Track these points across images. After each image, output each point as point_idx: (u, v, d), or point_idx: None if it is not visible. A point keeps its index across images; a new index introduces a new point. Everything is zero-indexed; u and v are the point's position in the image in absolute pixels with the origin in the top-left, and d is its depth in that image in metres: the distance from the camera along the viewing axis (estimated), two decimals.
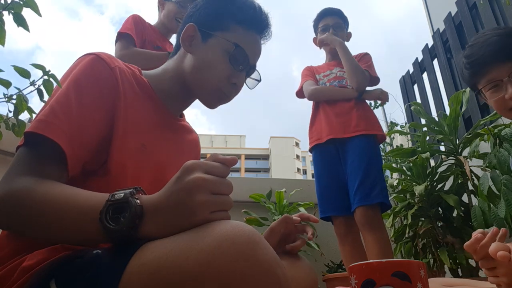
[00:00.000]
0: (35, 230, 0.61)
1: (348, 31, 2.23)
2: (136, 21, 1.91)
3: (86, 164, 0.71)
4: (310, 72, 2.20)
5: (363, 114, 2.01)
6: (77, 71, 0.73)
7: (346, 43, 2.15)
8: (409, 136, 2.82)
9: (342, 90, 2.06)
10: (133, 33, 1.85)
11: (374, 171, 1.87)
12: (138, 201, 0.56)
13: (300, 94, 2.20)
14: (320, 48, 2.24)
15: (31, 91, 0.65)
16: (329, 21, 2.17)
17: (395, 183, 2.56)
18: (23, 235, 0.66)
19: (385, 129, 3.45)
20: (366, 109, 2.04)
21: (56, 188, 0.62)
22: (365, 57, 2.18)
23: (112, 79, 0.76)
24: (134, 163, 0.76)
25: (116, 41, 1.85)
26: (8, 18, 0.65)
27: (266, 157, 47.64)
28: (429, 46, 3.50)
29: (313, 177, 2.13)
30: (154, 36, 1.97)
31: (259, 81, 0.96)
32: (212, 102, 0.91)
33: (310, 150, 2.09)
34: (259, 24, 0.90)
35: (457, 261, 1.92)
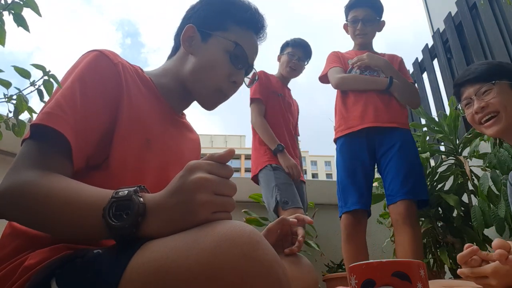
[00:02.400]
0: (38, 224, 0.61)
1: (382, 19, 2.08)
2: (260, 79, 2.28)
3: (90, 158, 0.72)
4: (337, 58, 2.09)
5: (399, 106, 1.93)
6: (81, 67, 0.74)
7: (387, 14, 2.08)
8: None
9: (375, 79, 1.94)
10: (262, 96, 2.27)
11: (418, 167, 1.82)
12: (141, 199, 0.56)
13: (324, 79, 2.10)
14: (348, 33, 2.14)
15: (31, 92, 0.65)
16: (359, 13, 2.03)
17: None
18: (28, 227, 0.67)
19: None
20: (400, 103, 1.94)
21: (60, 182, 0.62)
22: (404, 66, 2.11)
23: (115, 74, 0.76)
24: (137, 158, 0.76)
25: (250, 103, 2.29)
26: (8, 18, 0.65)
27: None
28: (429, 46, 3.50)
29: (312, 177, 2.13)
30: (277, 86, 2.38)
31: (256, 79, 0.97)
32: (211, 102, 0.92)
33: (335, 140, 1.97)
34: (256, 24, 0.92)
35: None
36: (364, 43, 2.10)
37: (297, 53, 2.40)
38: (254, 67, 0.96)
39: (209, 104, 0.92)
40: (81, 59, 0.77)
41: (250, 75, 0.96)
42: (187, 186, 0.55)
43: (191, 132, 1.01)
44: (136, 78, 0.82)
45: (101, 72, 0.75)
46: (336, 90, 2.07)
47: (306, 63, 2.42)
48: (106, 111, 0.73)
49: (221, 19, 0.89)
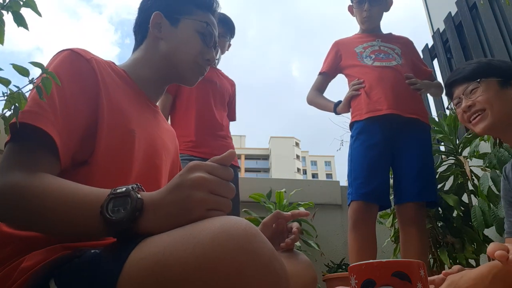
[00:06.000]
0: (34, 224, 0.61)
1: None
2: None
3: (75, 154, 0.71)
4: (333, 55, 2.04)
5: (418, 97, 1.87)
6: (54, 66, 0.74)
7: (386, 13, 2.03)
8: None
9: (327, 105, 2.01)
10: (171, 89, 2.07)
11: (431, 167, 1.78)
12: (139, 195, 0.57)
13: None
14: (353, 16, 2.07)
15: (30, 90, 0.65)
16: None
17: None
18: (22, 229, 0.66)
19: None
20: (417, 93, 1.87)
21: (53, 182, 0.62)
22: (416, 50, 2.09)
23: (89, 70, 0.77)
24: (124, 149, 0.77)
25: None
26: (8, 19, 0.65)
27: (266, 157, 47.67)
28: (429, 46, 3.50)
29: (312, 177, 2.12)
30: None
31: (219, 58, 1.08)
32: (192, 77, 0.96)
33: (352, 125, 1.87)
34: (212, 5, 0.99)
35: (457, 261, 1.92)
36: (370, 25, 2.03)
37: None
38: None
39: (191, 78, 0.96)
40: (53, 59, 0.77)
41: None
42: (185, 184, 0.56)
43: (166, 123, 1.03)
44: (110, 71, 0.83)
45: (75, 70, 0.75)
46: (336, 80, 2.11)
47: (228, 39, 2.12)
48: (85, 106, 0.74)
49: (185, 4, 0.95)
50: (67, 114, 0.70)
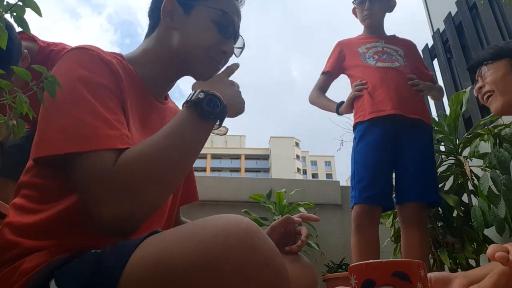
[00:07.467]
0: (163, 171, 0.64)
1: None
2: None
3: None
4: (337, 55, 2.03)
5: (421, 98, 1.88)
6: (78, 70, 0.69)
7: (388, 14, 2.02)
8: None
9: (329, 105, 2.01)
10: None
11: (433, 167, 1.78)
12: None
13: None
14: (357, 18, 2.07)
15: (31, 92, 0.65)
16: None
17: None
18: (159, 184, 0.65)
19: None
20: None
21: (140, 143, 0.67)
22: (419, 54, 2.09)
23: (112, 70, 0.73)
24: None
25: None
26: (9, 20, 0.65)
27: (266, 157, 47.63)
28: (429, 46, 3.50)
29: (312, 177, 2.12)
30: None
31: (243, 48, 0.94)
32: (206, 72, 0.87)
33: (355, 126, 1.86)
34: None
35: (457, 261, 1.92)
36: (372, 25, 2.01)
37: None
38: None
39: (203, 73, 0.86)
40: (67, 58, 0.72)
41: (237, 44, 0.92)
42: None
43: (174, 114, 0.94)
44: (122, 70, 0.78)
45: (101, 70, 0.71)
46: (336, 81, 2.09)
47: None
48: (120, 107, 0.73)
49: None
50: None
